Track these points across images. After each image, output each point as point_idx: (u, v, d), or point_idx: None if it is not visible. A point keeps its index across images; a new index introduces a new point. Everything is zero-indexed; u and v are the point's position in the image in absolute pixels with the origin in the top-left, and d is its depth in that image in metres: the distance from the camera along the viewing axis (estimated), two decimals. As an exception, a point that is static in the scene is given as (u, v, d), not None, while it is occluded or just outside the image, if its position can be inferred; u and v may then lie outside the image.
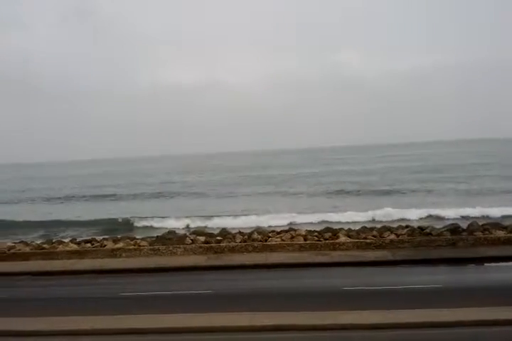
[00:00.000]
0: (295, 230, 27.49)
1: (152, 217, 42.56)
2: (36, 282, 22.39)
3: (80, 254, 25.84)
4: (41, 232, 40.30)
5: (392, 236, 25.62)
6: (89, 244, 27.77)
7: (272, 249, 24.87)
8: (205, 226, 35.59)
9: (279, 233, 27.27)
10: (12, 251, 27.16)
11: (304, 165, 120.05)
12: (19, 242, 29.64)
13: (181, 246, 25.72)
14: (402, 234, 25.84)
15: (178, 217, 40.79)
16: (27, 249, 27.49)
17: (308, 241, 25.54)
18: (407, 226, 27.61)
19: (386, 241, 24.82)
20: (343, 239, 25.79)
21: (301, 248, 24.84)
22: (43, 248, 27.56)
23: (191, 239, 26.84)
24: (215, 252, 25.11)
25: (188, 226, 37.47)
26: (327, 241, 25.62)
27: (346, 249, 24.59)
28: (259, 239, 26.28)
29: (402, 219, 35.25)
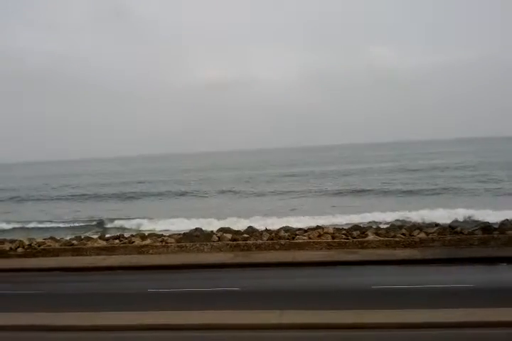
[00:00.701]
0: (322, 228, 27.29)
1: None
2: (66, 277, 22.66)
3: (108, 250, 26.04)
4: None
5: (422, 235, 25.26)
6: (117, 241, 28.00)
7: (299, 246, 24.72)
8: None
9: (306, 231, 27.11)
10: (42, 247, 27.53)
11: (335, 162, 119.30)
12: (49, 238, 30.06)
13: (208, 243, 25.74)
14: (432, 233, 25.45)
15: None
16: (57, 245, 27.84)
17: (336, 240, 25.33)
18: (437, 225, 27.24)
19: (416, 240, 24.47)
20: (371, 237, 25.50)
21: (329, 246, 24.62)
22: (73, 244, 27.86)
23: (218, 237, 26.84)
24: (242, 250, 25.05)
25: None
26: (355, 239, 25.38)
27: (375, 248, 24.30)
28: (286, 236, 26.15)
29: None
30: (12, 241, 28.98)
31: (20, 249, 27.50)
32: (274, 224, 33.23)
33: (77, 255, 26.02)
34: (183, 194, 68.35)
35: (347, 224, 33.55)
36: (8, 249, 27.62)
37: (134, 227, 40.08)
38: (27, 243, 28.26)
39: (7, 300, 18.67)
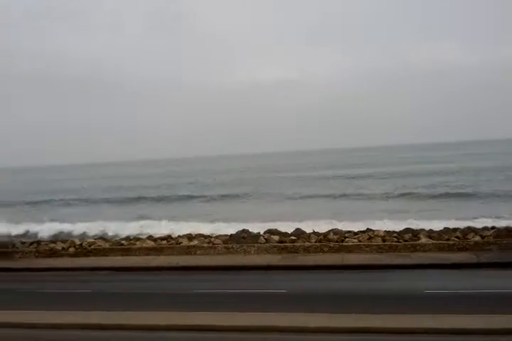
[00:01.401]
0: (373, 231, 26.74)
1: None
2: (115, 277, 22.90)
3: (156, 251, 26.24)
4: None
5: (477, 238, 24.44)
6: (165, 241, 28.20)
7: (349, 249, 24.24)
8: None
9: (356, 234, 26.62)
10: (93, 246, 28.02)
11: (380, 164, 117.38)
12: (99, 238, 30.59)
13: (255, 245, 25.58)
14: (487, 236, 24.61)
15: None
16: (107, 245, 28.29)
17: (386, 243, 24.74)
18: (492, 228, 26.28)
19: (470, 243, 23.62)
20: (424, 240, 24.82)
21: (380, 249, 24.05)
22: (122, 244, 28.25)
23: (265, 238, 26.67)
24: (290, 252, 24.76)
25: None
26: (407, 242, 24.72)
27: (427, 251, 23.59)
28: (335, 239, 25.75)
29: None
30: (64, 241, 29.68)
31: (71, 249, 28.11)
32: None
33: (126, 255, 26.34)
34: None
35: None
36: (60, 248, 28.30)
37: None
38: (78, 243, 28.90)
39: (58, 299, 18.96)
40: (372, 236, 25.86)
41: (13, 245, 30.49)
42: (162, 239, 29.03)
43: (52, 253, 27.92)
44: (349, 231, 27.41)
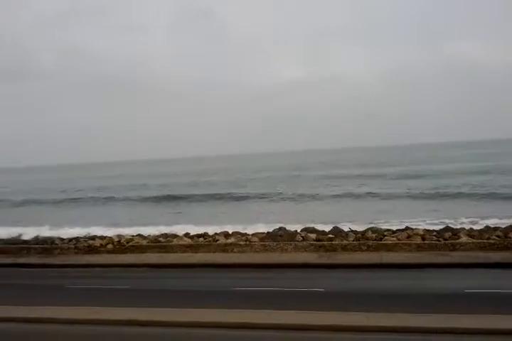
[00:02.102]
0: (412, 229, 26.37)
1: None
2: (152, 273, 23.06)
3: (193, 248, 26.32)
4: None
5: (519, 237, 23.79)
6: (202, 239, 28.27)
7: (388, 248, 23.92)
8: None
9: (394, 232, 26.26)
10: (131, 243, 28.27)
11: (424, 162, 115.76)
12: (137, 235, 30.85)
13: (292, 243, 25.44)
14: (529, 235, 23.94)
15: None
16: (144, 242, 28.49)
17: (426, 241, 24.34)
18: (535, 227, 25.59)
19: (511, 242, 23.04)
20: (464, 239, 24.35)
21: (419, 248, 23.68)
22: (159, 241, 28.43)
23: (302, 236, 26.50)
24: (327, 250, 24.55)
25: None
26: (447, 241, 24.30)
27: (468, 250, 23.15)
28: (373, 237, 25.43)
29: None
30: (102, 238, 30.01)
31: (109, 246, 28.38)
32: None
33: (164, 252, 26.49)
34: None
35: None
36: (98, 245, 28.61)
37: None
38: (116, 239, 29.17)
39: (96, 295, 19.12)
40: (411, 234, 25.48)
41: (53, 241, 31.02)
42: (199, 236, 29.12)
43: (91, 250, 28.28)
44: (388, 230, 27.08)
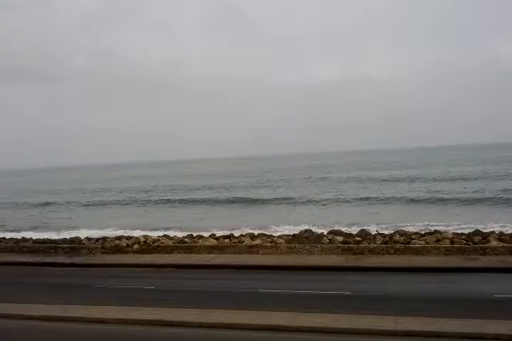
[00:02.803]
0: (441, 232, 25.94)
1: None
2: (177, 274, 23.03)
3: (218, 249, 26.26)
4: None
5: (552, 242, 23.23)
6: (227, 240, 28.18)
7: (416, 251, 23.59)
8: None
9: (423, 235, 25.86)
10: (156, 244, 28.31)
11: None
12: (163, 236, 30.90)
13: (319, 245, 25.23)
14: (562, 240, 23.36)
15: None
16: (170, 243, 28.52)
17: (455, 245, 23.93)
18: None
19: (544, 247, 22.50)
20: (494, 243, 23.88)
21: (448, 251, 23.33)
22: (185, 242, 28.42)
23: (329, 239, 26.26)
24: (354, 253, 24.31)
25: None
26: (476, 245, 23.87)
27: (497, 254, 22.77)
28: (401, 241, 25.09)
29: None
30: (129, 238, 30.13)
31: (136, 246, 28.46)
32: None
33: (189, 253, 26.50)
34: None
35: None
36: (125, 245, 28.73)
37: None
38: (142, 240, 29.25)
39: (121, 295, 19.20)
40: (440, 238, 25.10)
41: (80, 241, 31.25)
42: (225, 237, 29.05)
43: (117, 250, 28.43)
44: (416, 233, 26.70)
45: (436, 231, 26.46)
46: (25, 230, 45.57)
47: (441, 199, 54.72)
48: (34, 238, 34.19)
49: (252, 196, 68.97)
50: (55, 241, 32.01)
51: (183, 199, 70.57)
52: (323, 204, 58.12)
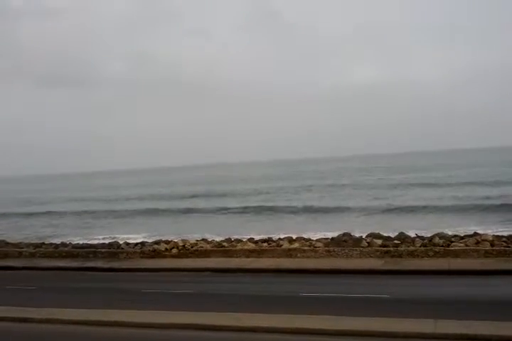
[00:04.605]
0: (480, 235, 25.57)
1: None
2: (216, 278, 23.16)
3: (257, 253, 26.36)
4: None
5: None
6: (265, 244, 28.24)
7: (455, 254, 23.33)
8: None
9: (462, 238, 25.53)
10: (195, 248, 28.51)
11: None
12: (201, 240, 31.11)
13: (357, 248, 25.14)
14: None
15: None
16: (208, 247, 28.67)
17: (495, 247, 23.58)
18: None
19: None
20: (535, 245, 23.39)
21: (488, 254, 23.00)
22: (223, 246, 28.57)
23: (367, 242, 26.14)
24: (393, 256, 24.15)
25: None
26: (517, 247, 23.40)
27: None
28: (440, 243, 24.85)
29: None
30: (167, 242, 30.37)
31: (174, 250, 28.70)
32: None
33: (228, 257, 26.61)
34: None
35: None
36: (163, 249, 28.96)
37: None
38: (181, 244, 29.45)
39: (160, 299, 19.45)
40: (479, 240, 24.77)
41: (119, 246, 31.60)
42: (263, 241, 29.12)
43: (156, 254, 28.63)
44: (455, 236, 26.40)
45: (475, 234, 26.10)
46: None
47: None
48: (73, 243, 34.68)
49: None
50: (94, 246, 32.43)
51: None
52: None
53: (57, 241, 36.57)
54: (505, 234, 26.83)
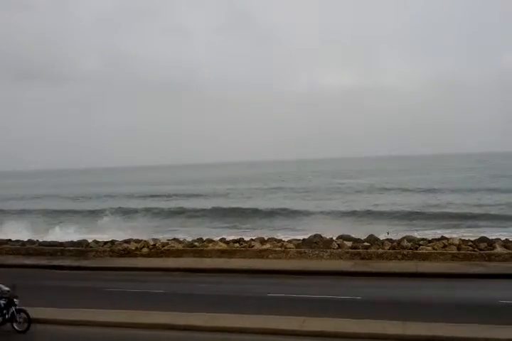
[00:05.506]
0: (447, 239, 26.11)
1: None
2: (187, 278, 23.10)
3: (228, 253, 26.40)
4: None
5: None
6: (237, 244, 28.30)
7: (423, 257, 23.79)
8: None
9: (430, 241, 26.03)
10: (166, 247, 28.37)
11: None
12: (172, 239, 31.00)
13: (328, 250, 25.40)
14: None
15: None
16: (179, 246, 28.57)
17: (461, 251, 24.14)
18: None
19: (550, 254, 22.65)
20: (499, 249, 24.10)
21: (454, 257, 23.56)
22: (195, 245, 28.49)
23: (338, 244, 26.42)
24: (362, 258, 24.48)
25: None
26: (482, 251, 24.09)
27: (503, 261, 22.99)
28: (408, 246, 25.26)
29: None
30: (137, 241, 30.11)
31: (145, 249, 28.46)
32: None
33: (199, 257, 26.54)
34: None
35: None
36: (134, 248, 28.68)
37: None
38: (152, 243, 29.26)
39: (130, 298, 19.35)
40: (446, 244, 25.28)
41: (88, 244, 31.06)
42: (235, 241, 29.17)
43: (126, 253, 28.33)
44: (423, 239, 26.87)
45: (443, 238, 26.61)
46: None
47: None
48: (40, 240, 34.05)
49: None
50: (61, 244, 31.84)
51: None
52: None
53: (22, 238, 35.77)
54: (472, 238, 27.34)
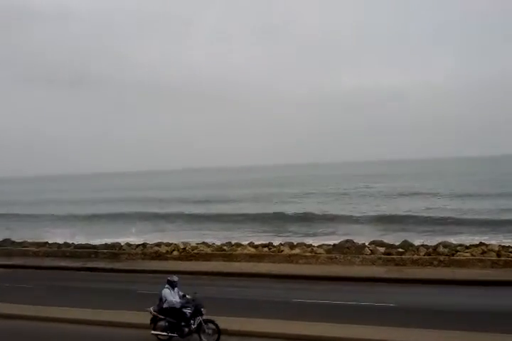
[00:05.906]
0: (486, 245, 25.16)
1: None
2: (216, 282, 22.86)
3: (257, 258, 26.04)
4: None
5: None
6: (266, 248, 27.95)
7: (460, 264, 22.92)
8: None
9: (468, 247, 25.12)
10: (195, 251, 28.31)
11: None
12: (202, 243, 30.87)
13: (360, 256, 24.77)
14: None
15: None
16: (209, 250, 28.45)
17: (502, 258, 23.16)
18: None
19: None
20: (542, 256, 23.02)
21: (494, 264, 22.60)
22: (224, 249, 28.30)
23: (370, 250, 25.76)
24: (396, 264, 23.76)
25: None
26: (524, 258, 23.02)
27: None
28: (445, 252, 24.42)
29: None
30: (168, 245, 30.22)
31: (175, 252, 28.54)
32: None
33: (228, 260, 26.42)
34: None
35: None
36: (164, 251, 28.82)
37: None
38: (182, 247, 29.30)
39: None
40: (485, 250, 24.33)
41: (120, 247, 31.48)
42: (263, 246, 28.81)
43: (157, 256, 28.54)
44: (460, 245, 25.97)
45: (481, 244, 25.69)
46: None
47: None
48: (76, 243, 34.57)
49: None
50: (95, 247, 32.30)
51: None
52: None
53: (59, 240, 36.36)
54: (512, 244, 26.39)
